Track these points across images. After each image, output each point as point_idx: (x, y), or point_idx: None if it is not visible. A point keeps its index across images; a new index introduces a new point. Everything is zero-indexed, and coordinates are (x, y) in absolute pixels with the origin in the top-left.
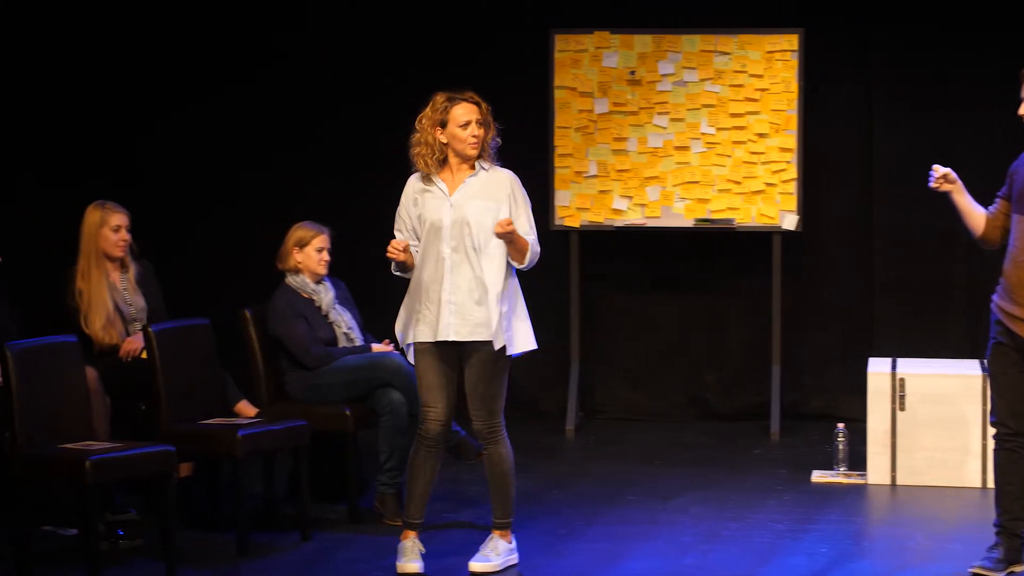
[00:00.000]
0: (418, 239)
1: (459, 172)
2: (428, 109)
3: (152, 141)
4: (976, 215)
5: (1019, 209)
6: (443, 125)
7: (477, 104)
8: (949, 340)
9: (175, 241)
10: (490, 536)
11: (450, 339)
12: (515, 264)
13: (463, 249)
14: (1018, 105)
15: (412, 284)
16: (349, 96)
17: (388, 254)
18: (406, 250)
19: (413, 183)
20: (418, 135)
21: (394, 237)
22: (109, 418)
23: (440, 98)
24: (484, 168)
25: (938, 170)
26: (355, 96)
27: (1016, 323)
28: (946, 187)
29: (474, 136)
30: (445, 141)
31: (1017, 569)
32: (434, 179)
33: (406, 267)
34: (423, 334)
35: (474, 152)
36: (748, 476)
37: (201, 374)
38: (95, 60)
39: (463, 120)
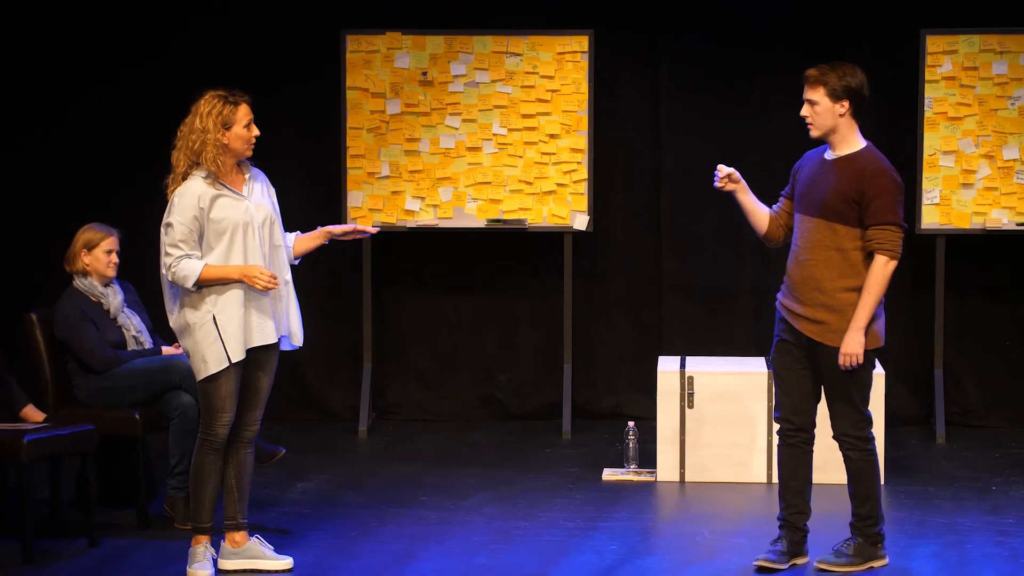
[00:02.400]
0: (199, 247)
1: (236, 173)
2: (210, 108)
3: None
4: (760, 214)
5: (802, 208)
6: (227, 126)
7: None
8: (736, 338)
9: None
10: (255, 538)
11: (280, 335)
12: (293, 261)
13: (269, 247)
14: (801, 106)
15: (223, 297)
16: (152, 103)
17: (270, 286)
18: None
19: (199, 188)
20: (200, 135)
21: (178, 248)
22: None
23: (217, 98)
24: (249, 167)
25: (722, 170)
26: (159, 102)
27: (799, 320)
28: (730, 187)
29: (255, 136)
30: (226, 142)
31: (800, 561)
32: (220, 181)
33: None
34: (261, 337)
35: (250, 153)
36: (540, 475)
37: None
38: None
39: (247, 120)
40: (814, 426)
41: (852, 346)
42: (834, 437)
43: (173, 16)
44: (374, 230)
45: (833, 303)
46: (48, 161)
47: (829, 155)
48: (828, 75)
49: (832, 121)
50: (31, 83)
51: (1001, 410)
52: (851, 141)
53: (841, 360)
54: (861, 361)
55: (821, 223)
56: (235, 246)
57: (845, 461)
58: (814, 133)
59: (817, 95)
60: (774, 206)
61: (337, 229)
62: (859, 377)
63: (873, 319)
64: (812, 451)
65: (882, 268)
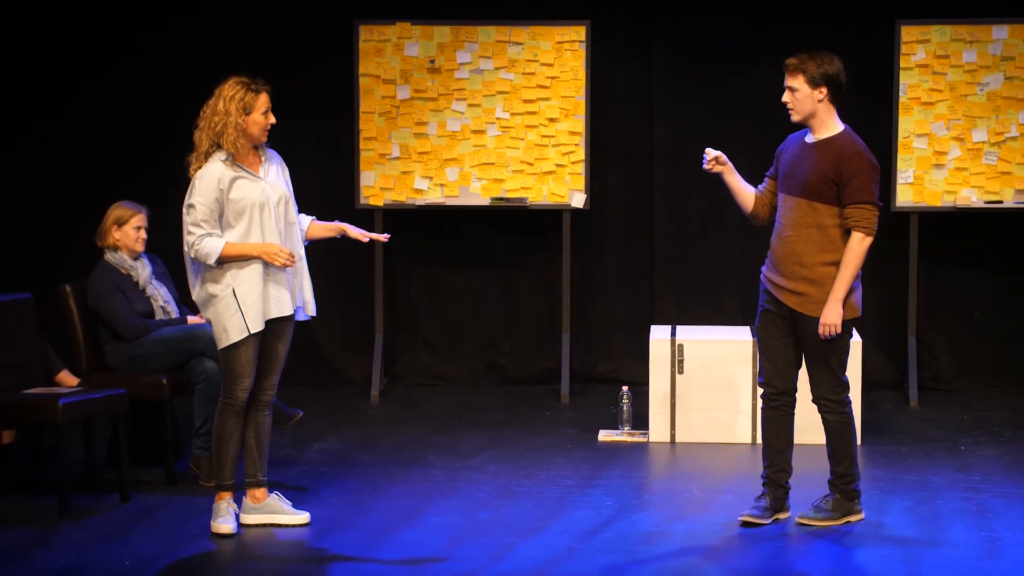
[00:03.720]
0: (220, 226)
1: (252, 155)
2: (233, 93)
3: None
4: (746, 194)
5: (784, 188)
6: (247, 111)
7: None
8: (724, 309)
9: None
10: (275, 495)
11: (295, 308)
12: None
13: (285, 224)
14: (783, 92)
15: (243, 272)
16: (170, 85)
17: (288, 263)
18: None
19: (219, 170)
20: (223, 118)
21: (200, 227)
22: None
23: (240, 84)
24: (265, 150)
25: (710, 153)
26: (172, 85)
27: (781, 292)
28: (718, 168)
29: (271, 124)
30: (245, 127)
31: (782, 516)
32: (238, 163)
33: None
34: (278, 309)
35: (265, 139)
36: (540, 436)
37: (23, 346)
38: None
39: (265, 108)
40: (795, 391)
41: (831, 316)
42: (813, 401)
43: (193, 9)
44: (385, 238)
45: (813, 276)
46: (78, 140)
47: (809, 138)
48: (807, 63)
49: (812, 106)
50: (63, 57)
51: (970, 375)
52: (830, 125)
53: (821, 329)
54: (840, 330)
55: (802, 202)
56: (253, 224)
57: (824, 423)
58: (795, 118)
59: (797, 82)
60: (759, 186)
61: (353, 232)
62: (837, 345)
63: (851, 291)
64: (793, 414)
65: (859, 244)
